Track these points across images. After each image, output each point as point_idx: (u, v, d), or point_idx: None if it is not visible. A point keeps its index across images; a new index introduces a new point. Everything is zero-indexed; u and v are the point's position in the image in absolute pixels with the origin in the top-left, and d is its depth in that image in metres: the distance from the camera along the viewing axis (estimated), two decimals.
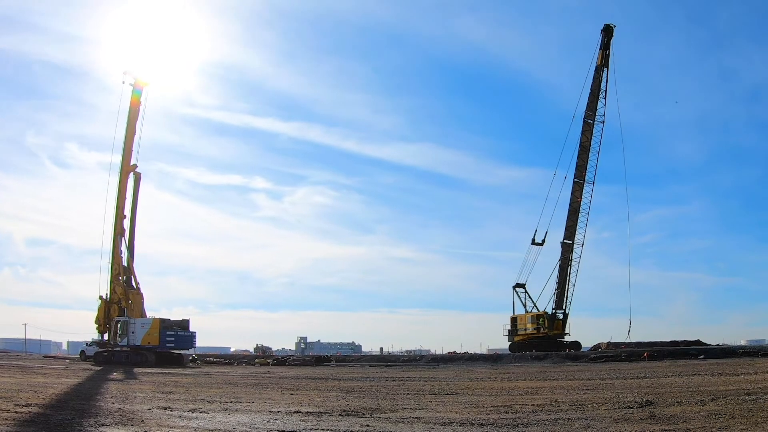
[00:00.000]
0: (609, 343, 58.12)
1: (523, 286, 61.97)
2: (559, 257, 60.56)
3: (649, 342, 58.78)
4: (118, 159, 44.78)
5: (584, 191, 60.09)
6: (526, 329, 60.62)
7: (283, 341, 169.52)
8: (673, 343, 56.84)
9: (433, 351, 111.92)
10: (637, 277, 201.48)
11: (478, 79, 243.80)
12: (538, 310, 60.49)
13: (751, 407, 11.79)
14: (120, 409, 12.74)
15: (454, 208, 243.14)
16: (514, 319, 62.26)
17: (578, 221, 60.19)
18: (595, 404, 13.29)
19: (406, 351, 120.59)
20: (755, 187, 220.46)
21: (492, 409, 13.04)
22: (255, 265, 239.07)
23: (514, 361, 45.14)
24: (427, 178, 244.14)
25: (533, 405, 13.47)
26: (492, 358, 49.38)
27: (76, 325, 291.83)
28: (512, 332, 62.03)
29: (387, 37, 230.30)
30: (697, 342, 57.45)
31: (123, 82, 44.92)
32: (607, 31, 59.76)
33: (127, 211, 44.61)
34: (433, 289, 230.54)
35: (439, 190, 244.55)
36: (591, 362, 42.39)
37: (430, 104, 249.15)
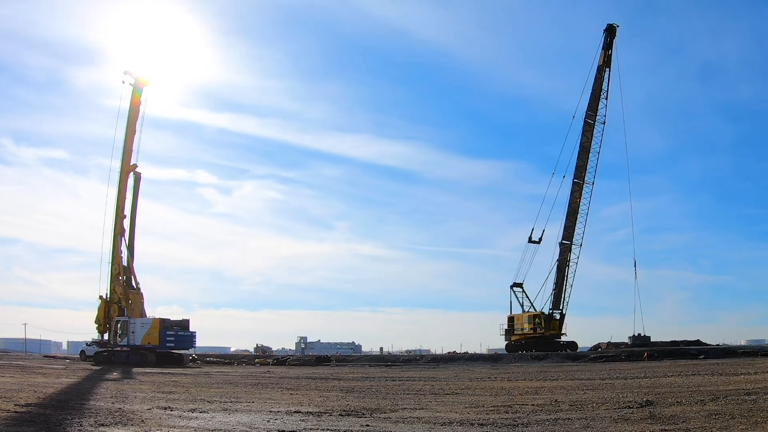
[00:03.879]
0: (609, 343, 58.18)
1: (520, 285, 61.86)
2: (556, 257, 60.60)
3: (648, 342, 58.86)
4: (117, 160, 44.64)
5: (583, 192, 60.04)
6: (523, 329, 60.59)
7: (283, 341, 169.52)
8: (673, 343, 56.91)
9: (433, 351, 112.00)
10: (620, 276, 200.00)
11: (394, 59, 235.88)
12: (535, 309, 60.53)
13: (751, 407, 11.79)
14: (120, 408, 12.74)
15: (411, 202, 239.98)
16: (511, 319, 62.25)
17: (577, 222, 60.20)
18: (595, 404, 13.28)
19: (406, 351, 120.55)
20: (727, 178, 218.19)
21: (492, 409, 13.03)
22: (225, 264, 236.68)
23: (514, 361, 45.14)
24: (372, 170, 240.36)
25: (533, 405, 13.46)
26: (492, 358, 49.39)
27: (76, 325, 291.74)
28: (509, 332, 62.06)
29: (290, 17, 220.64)
30: (697, 342, 57.53)
31: (123, 82, 44.93)
32: (610, 31, 59.49)
33: (127, 211, 44.61)
34: (413, 288, 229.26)
35: (389, 183, 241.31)
36: (591, 362, 42.37)
37: (355, 90, 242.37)
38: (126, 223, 44.41)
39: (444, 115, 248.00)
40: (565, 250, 60.26)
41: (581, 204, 59.93)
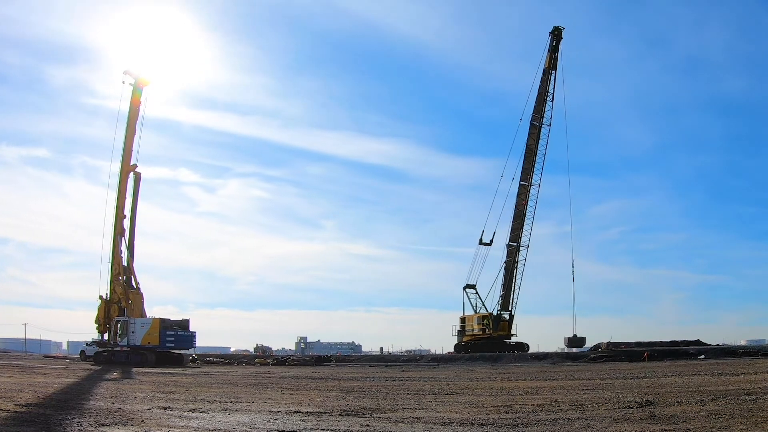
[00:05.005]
0: (609, 343, 58.22)
1: (473, 287, 62.13)
2: (504, 258, 61.06)
3: (648, 342, 58.87)
4: (116, 161, 44.68)
5: (530, 194, 60.40)
6: (472, 330, 61.07)
7: (283, 341, 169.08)
8: (673, 342, 56.94)
9: (433, 351, 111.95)
10: (615, 276, 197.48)
11: (368, 54, 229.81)
12: (487, 310, 60.91)
13: (751, 407, 11.79)
14: (120, 408, 12.74)
15: (397, 201, 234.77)
16: (463, 320, 62.71)
17: (524, 223, 60.57)
18: (595, 404, 13.28)
19: (406, 351, 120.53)
20: (719, 176, 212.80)
21: (492, 409, 13.03)
22: (217, 263, 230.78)
23: (514, 361, 45.20)
24: (356, 168, 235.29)
25: (533, 405, 13.46)
26: (492, 358, 49.40)
27: (76, 325, 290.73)
28: (461, 333, 62.51)
29: (261, 12, 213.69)
30: (697, 342, 57.58)
31: (123, 82, 44.96)
32: (556, 34, 59.54)
33: (127, 211, 44.61)
34: (407, 288, 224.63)
35: (373, 181, 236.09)
36: (591, 362, 42.42)
37: (331, 86, 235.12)
38: (126, 223, 44.45)
39: (423, 111, 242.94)
40: (512, 251, 60.70)
41: (528, 205, 60.37)
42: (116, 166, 44.66)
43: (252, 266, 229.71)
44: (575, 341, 58.38)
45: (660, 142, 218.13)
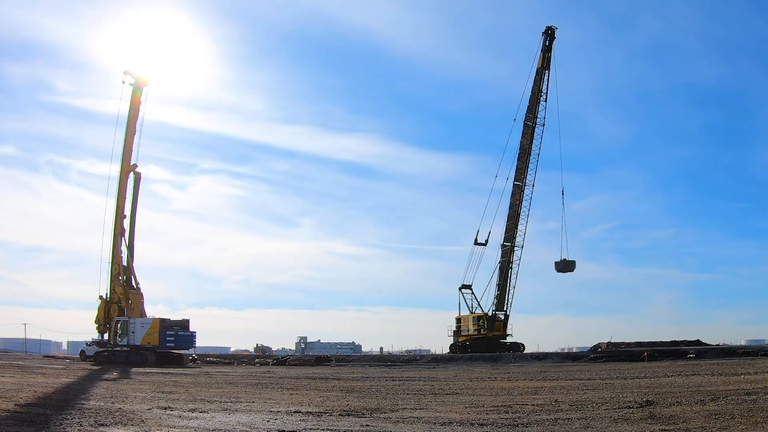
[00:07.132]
0: (609, 343, 58.25)
1: (469, 287, 62.15)
2: (499, 258, 61.20)
3: (649, 342, 58.89)
4: (117, 162, 44.68)
5: (524, 194, 60.51)
6: (468, 330, 61.13)
7: (282, 341, 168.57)
8: (674, 342, 56.96)
9: (433, 351, 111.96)
10: (604, 274, 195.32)
11: (320, 45, 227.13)
12: (482, 311, 60.97)
13: (751, 407, 11.79)
14: (120, 408, 12.73)
15: (371, 198, 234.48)
16: (458, 320, 62.78)
17: (518, 223, 60.59)
18: (595, 404, 13.28)
19: (407, 351, 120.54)
20: (701, 170, 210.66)
21: (492, 409, 13.03)
22: (199, 263, 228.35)
23: (513, 362, 45.19)
24: (325, 164, 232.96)
25: (533, 405, 13.46)
26: (492, 358, 49.41)
27: (76, 325, 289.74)
28: (456, 333, 62.56)
29: (216, 2, 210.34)
30: (697, 342, 57.58)
31: (123, 82, 44.97)
32: (549, 34, 59.65)
33: (127, 211, 44.62)
34: (394, 287, 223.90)
35: (344, 178, 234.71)
36: (591, 362, 42.39)
37: (286, 79, 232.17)
38: (126, 223, 44.45)
39: (385, 104, 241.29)
40: (507, 251, 60.75)
41: (522, 205, 60.44)
42: (116, 167, 44.71)
43: (236, 265, 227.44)
44: (564, 265, 57.77)
45: (636, 134, 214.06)
